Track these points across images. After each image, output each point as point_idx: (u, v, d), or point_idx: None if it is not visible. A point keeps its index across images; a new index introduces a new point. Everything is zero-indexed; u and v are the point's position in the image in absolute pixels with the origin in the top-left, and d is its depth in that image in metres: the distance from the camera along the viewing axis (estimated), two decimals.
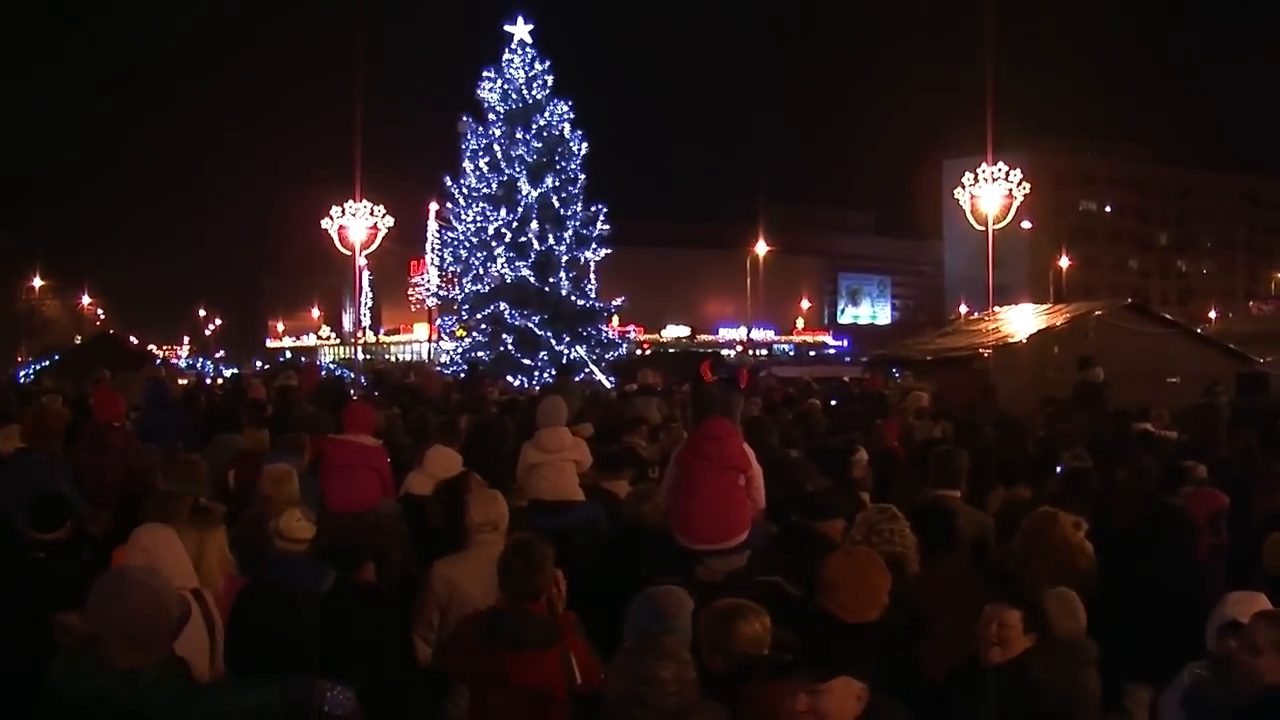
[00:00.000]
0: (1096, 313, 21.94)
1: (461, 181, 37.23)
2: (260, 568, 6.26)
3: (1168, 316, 25.16)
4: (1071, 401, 15.56)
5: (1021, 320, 23.33)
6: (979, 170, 33.18)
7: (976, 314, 33.51)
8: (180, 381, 25.80)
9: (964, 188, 33.54)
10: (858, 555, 5.28)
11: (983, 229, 33.16)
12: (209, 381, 34.69)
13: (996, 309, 27.23)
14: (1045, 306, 26.01)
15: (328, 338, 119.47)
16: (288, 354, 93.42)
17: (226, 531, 6.43)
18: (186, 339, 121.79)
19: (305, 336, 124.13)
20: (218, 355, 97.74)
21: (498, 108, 36.95)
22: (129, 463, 9.97)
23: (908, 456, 11.04)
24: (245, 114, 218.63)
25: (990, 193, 33.06)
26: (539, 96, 37.07)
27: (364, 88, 35.04)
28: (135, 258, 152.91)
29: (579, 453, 9.31)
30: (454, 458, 9.33)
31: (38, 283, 71.24)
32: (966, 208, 33.78)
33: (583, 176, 37.45)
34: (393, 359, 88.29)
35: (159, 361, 37.11)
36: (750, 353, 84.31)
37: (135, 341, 59.95)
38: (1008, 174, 32.99)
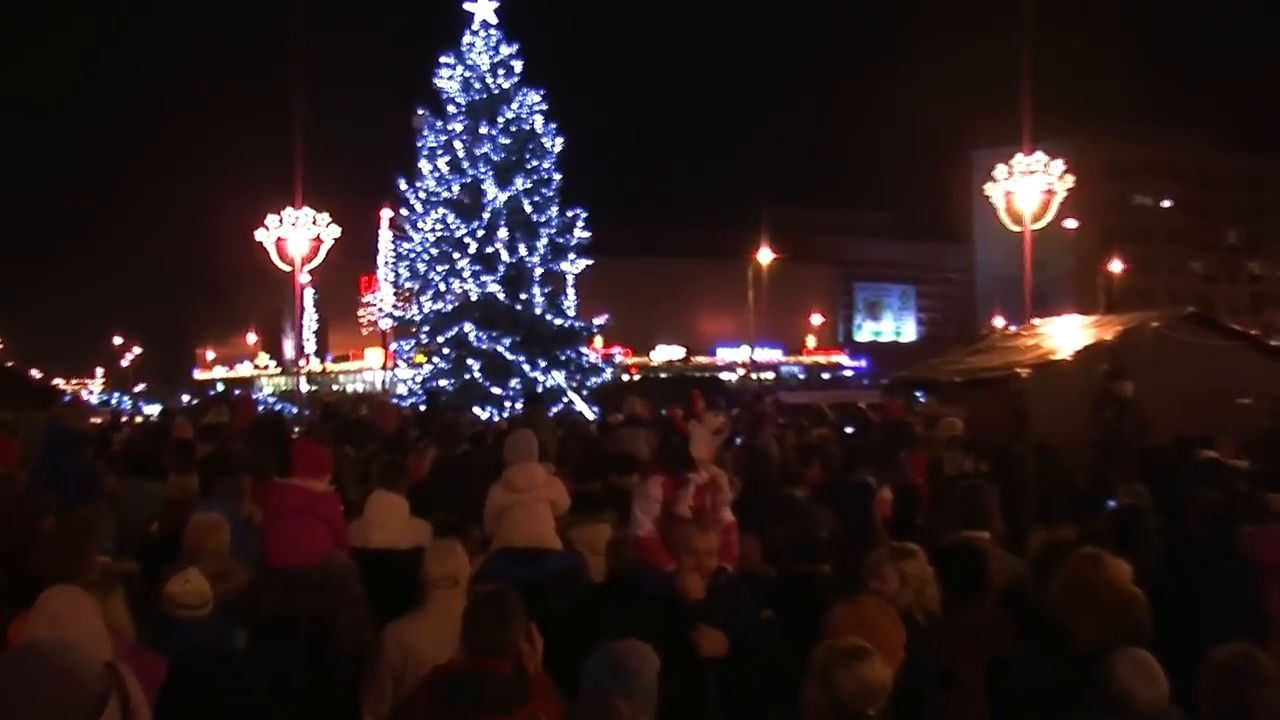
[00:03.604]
0: (1153, 324, 21.93)
1: (418, 184, 37.27)
2: (158, 638, 6.30)
3: (1237, 327, 25.15)
4: (1091, 419, 15.66)
5: (1065, 334, 23.35)
6: (1014, 162, 33.28)
7: (1013, 328, 33.54)
8: (93, 420, 25.75)
9: (996, 182, 33.63)
10: (864, 605, 5.30)
11: (1019, 229, 33.25)
12: (125, 420, 34.61)
13: (1036, 321, 27.25)
14: (1093, 318, 26.06)
15: (266, 367, 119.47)
16: (220, 386, 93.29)
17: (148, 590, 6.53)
18: (100, 371, 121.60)
19: (240, 366, 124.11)
20: (137, 389, 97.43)
21: (458, 99, 37.04)
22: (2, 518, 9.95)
23: (935, 493, 11.09)
24: (171, 113, 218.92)
25: (1027, 187, 33.15)
26: (506, 85, 37.18)
27: (305, 79, 35.08)
28: (39, 280, 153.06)
29: (554, 491, 9.30)
30: (399, 504, 9.33)
31: None
32: (1000, 205, 33.85)
33: (558, 177, 37.54)
34: (342, 390, 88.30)
35: (68, 399, 36.98)
36: (754, 377, 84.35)
37: (38, 376, 59.79)
38: (1047, 165, 33.09)
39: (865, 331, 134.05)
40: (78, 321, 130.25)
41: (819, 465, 13.29)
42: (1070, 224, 63.22)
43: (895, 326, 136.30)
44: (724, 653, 6.22)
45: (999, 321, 78.17)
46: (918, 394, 23.27)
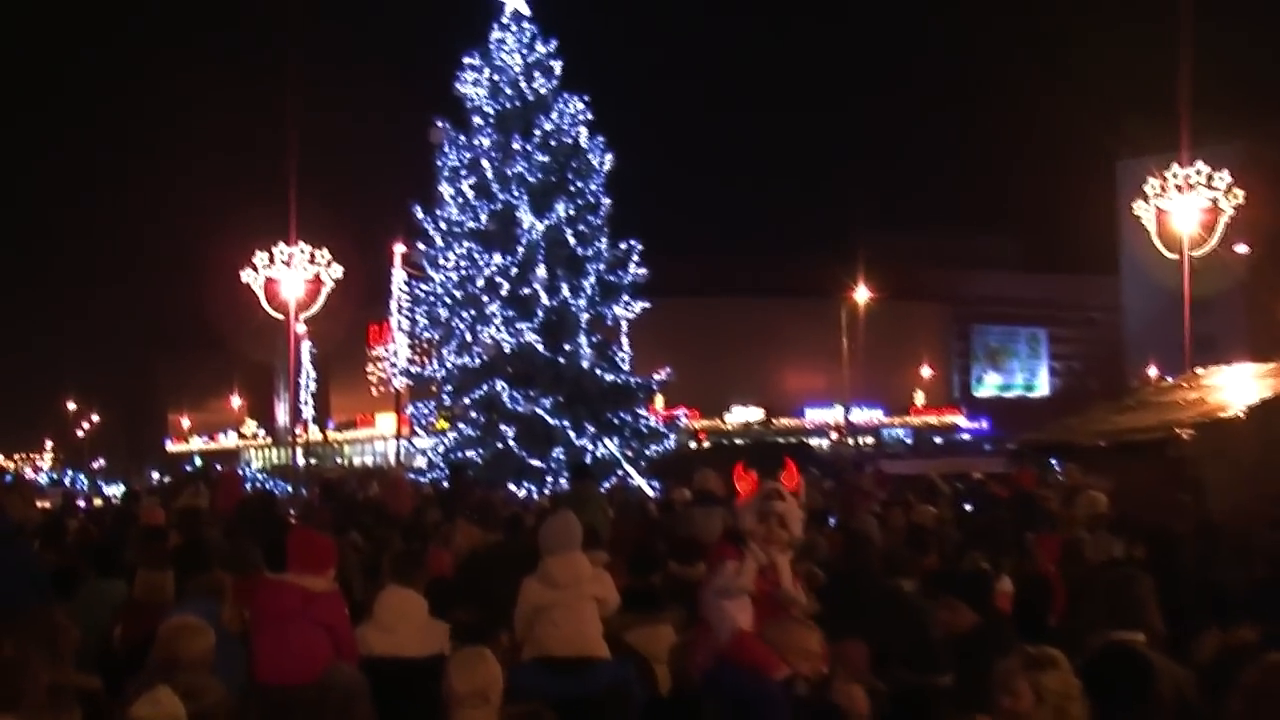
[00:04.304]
0: None
1: (438, 213, 37.41)
2: None
3: None
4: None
5: (1237, 386, 23.17)
6: (1169, 173, 33.16)
7: (1170, 379, 33.33)
8: (40, 505, 25.89)
9: (1148, 199, 33.52)
10: None
11: (1176, 256, 33.08)
12: (83, 503, 34.83)
13: (1200, 371, 27.09)
14: (1272, 365, 25.87)
15: (254, 436, 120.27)
16: (197, 461, 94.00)
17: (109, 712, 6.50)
18: (50, 444, 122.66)
19: (223, 435, 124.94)
20: (96, 465, 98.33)
21: (486, 108, 37.22)
22: None
23: (1072, 584, 10.97)
24: (139, 127, 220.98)
25: (1186, 204, 33.01)
26: (543, 91, 37.34)
27: (300, 87, 35.36)
28: None
29: (600, 586, 9.30)
30: (416, 604, 9.31)
31: None
32: (1152, 227, 33.74)
33: (607, 202, 37.60)
34: (346, 464, 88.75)
35: (9, 479, 37.35)
36: (850, 442, 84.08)
37: None
38: (1211, 177, 32.95)
39: (987, 385, 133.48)
40: (23, 383, 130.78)
41: (935, 552, 13.20)
42: (1240, 249, 62.74)
43: (1023, 378, 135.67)
44: None
45: (1153, 371, 77.72)
46: (1052, 461, 23.12)
